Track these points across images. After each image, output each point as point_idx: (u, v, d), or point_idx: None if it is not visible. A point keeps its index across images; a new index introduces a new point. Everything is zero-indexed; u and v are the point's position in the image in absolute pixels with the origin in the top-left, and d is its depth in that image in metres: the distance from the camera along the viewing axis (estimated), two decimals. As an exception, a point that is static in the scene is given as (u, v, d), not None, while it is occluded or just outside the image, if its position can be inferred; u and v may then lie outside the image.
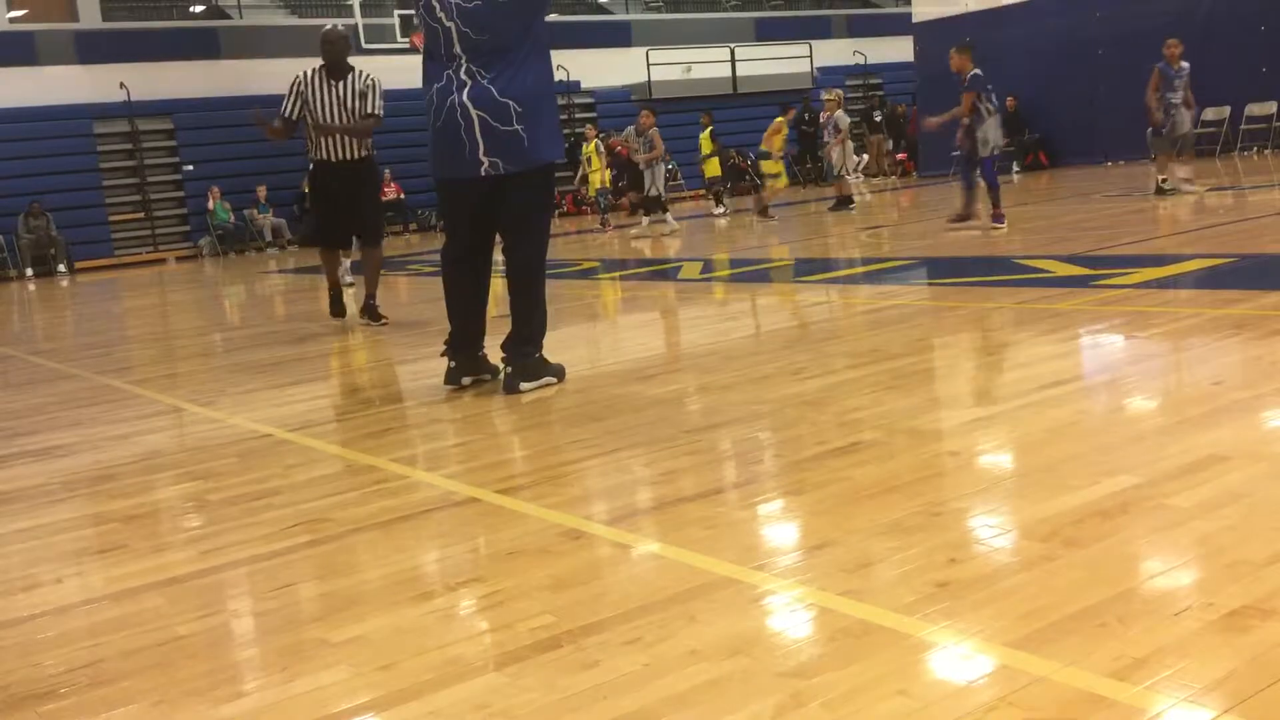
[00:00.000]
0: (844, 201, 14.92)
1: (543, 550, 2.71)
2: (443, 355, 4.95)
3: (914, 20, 23.18)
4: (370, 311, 7.61)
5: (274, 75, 20.69)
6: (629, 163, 17.39)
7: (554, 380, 4.77)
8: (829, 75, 26.65)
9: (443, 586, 2.57)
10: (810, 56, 26.40)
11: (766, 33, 27.13)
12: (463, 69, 4.57)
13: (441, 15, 4.58)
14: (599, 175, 16.09)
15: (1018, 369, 4.28)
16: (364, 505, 3.28)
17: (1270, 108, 17.17)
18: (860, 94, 27.59)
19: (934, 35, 22.27)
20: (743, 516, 2.89)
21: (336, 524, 3.11)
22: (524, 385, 4.66)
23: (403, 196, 21.10)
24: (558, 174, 5.99)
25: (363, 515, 3.17)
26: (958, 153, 10.36)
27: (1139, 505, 2.59)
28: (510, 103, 4.50)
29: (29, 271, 18.34)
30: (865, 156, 24.71)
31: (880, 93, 27.40)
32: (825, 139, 15.43)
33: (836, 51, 27.22)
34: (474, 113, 4.54)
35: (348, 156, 7.34)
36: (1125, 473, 2.85)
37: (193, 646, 2.34)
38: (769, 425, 3.84)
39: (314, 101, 7.24)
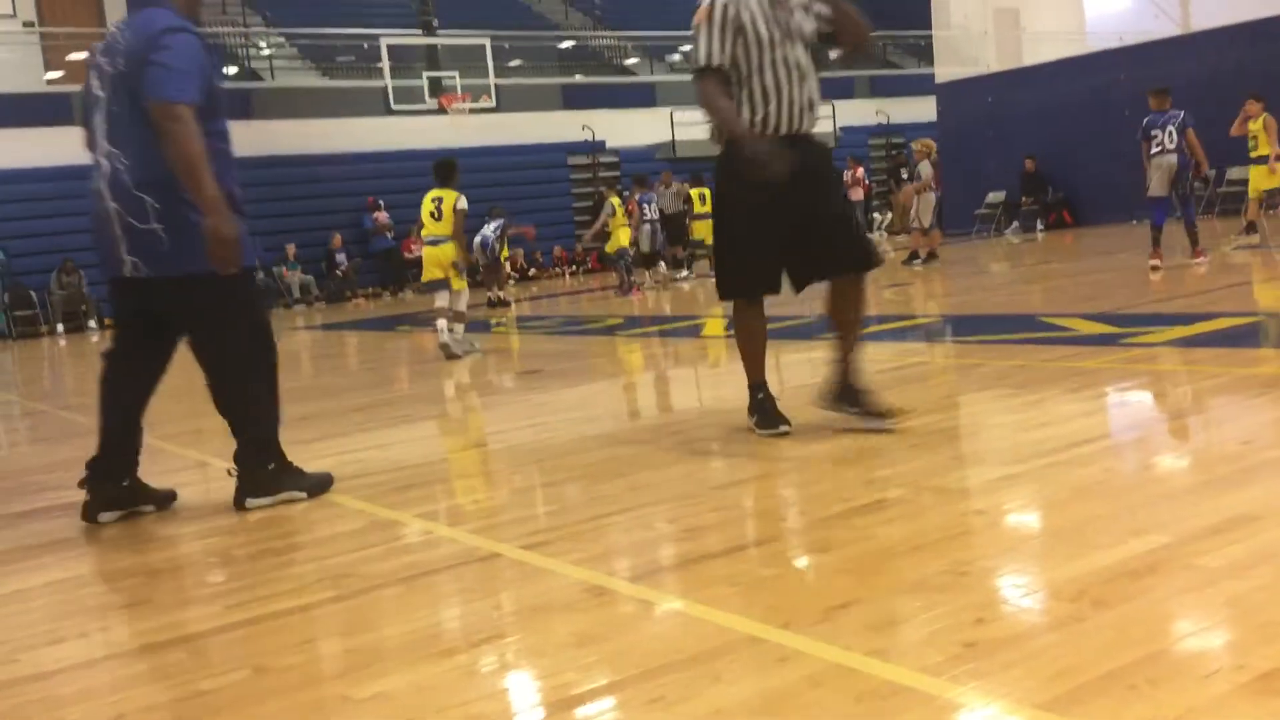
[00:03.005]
0: (930, 255, 14.56)
1: (566, 607, 2.69)
2: (80, 485, 4.06)
3: (937, 80, 23.39)
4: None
5: (304, 135, 21.15)
6: (669, 217, 17.90)
7: (300, 495, 4.08)
8: (852, 135, 26.87)
9: (465, 643, 2.56)
10: (834, 116, 26.62)
11: (789, 93, 27.36)
12: (102, 149, 3.90)
13: (96, 83, 3.94)
14: (621, 234, 15.75)
15: (1044, 427, 4.25)
16: (387, 561, 3.28)
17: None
18: (883, 153, 27.76)
19: (956, 95, 22.48)
20: (767, 574, 2.87)
21: (360, 579, 3.11)
22: (250, 502, 4.01)
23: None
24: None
25: (386, 571, 3.17)
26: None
27: (1168, 565, 2.56)
28: (145, 197, 3.81)
29: (60, 328, 18.59)
30: (889, 215, 24.79)
31: (903, 151, 27.54)
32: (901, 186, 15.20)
33: (859, 111, 27.47)
34: (110, 205, 3.87)
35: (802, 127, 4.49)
36: (1154, 532, 2.81)
37: (215, 702, 2.33)
38: (793, 482, 3.83)
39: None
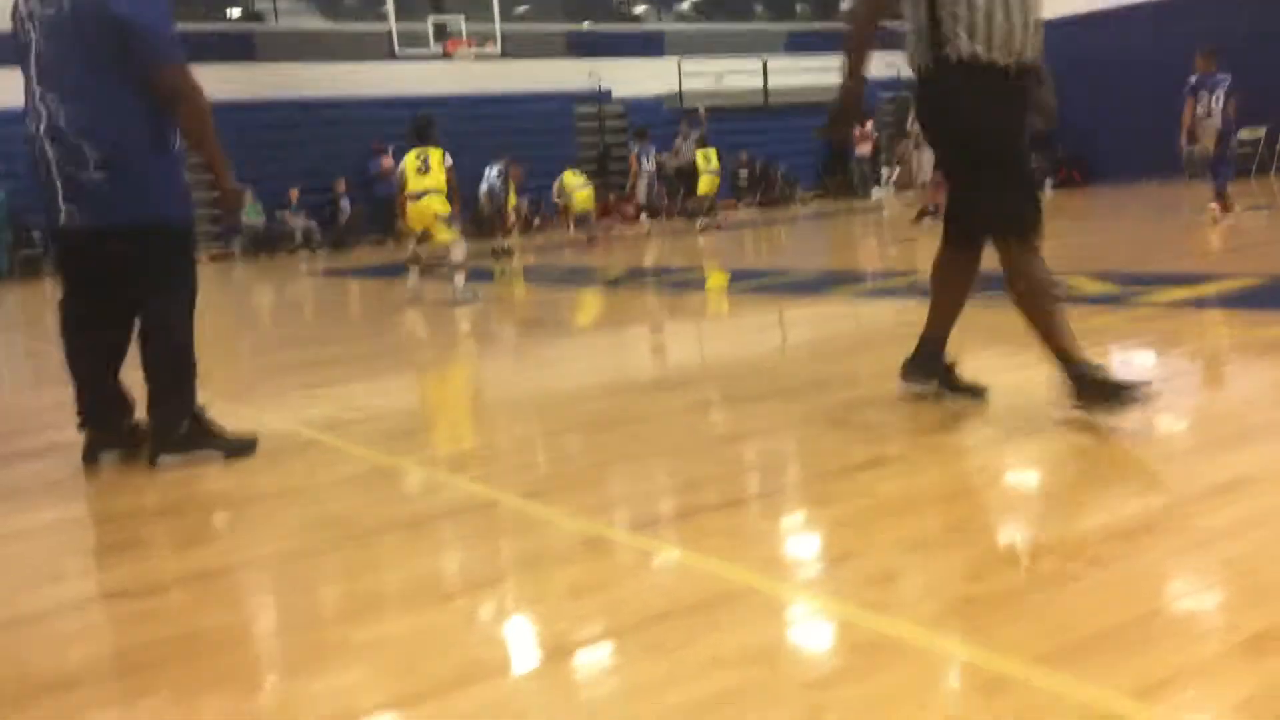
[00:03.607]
0: (931, 211, 14.53)
1: (564, 556, 2.71)
2: (79, 428, 4.06)
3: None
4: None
5: (307, 79, 20.96)
6: (686, 169, 18.24)
7: (214, 454, 3.94)
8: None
9: (464, 590, 2.58)
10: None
11: (798, 45, 27.11)
12: (36, 94, 3.80)
13: (28, 26, 3.82)
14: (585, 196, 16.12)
15: (1044, 387, 4.24)
16: (388, 507, 3.29)
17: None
18: (893, 108, 27.51)
19: (967, 50, 22.18)
20: (766, 527, 2.88)
21: (360, 524, 3.12)
22: (163, 458, 3.88)
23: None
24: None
25: (386, 516, 3.18)
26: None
27: (1165, 525, 2.57)
28: (84, 144, 3.73)
29: (64, 268, 18.56)
30: (898, 169, 24.63)
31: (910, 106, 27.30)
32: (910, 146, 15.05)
33: (871, 64, 27.12)
34: (47, 151, 3.79)
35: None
36: (1152, 493, 2.83)
37: (215, 641, 2.35)
38: (794, 438, 3.83)
39: None
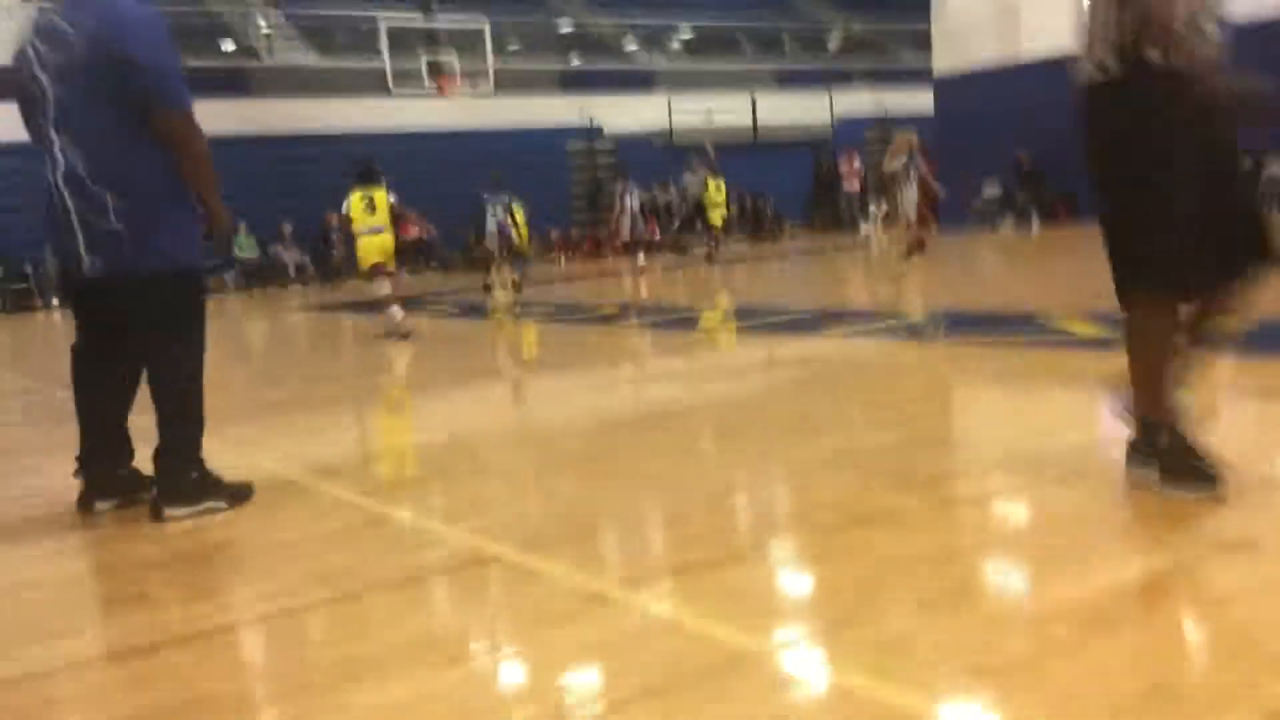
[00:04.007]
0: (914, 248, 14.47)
1: (565, 615, 2.68)
2: (75, 474, 4.02)
3: (935, 72, 23.32)
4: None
5: (300, 114, 21.04)
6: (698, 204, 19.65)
7: (221, 506, 3.88)
8: (849, 125, 26.82)
9: (463, 653, 2.54)
10: (830, 106, 26.59)
11: (787, 82, 27.35)
12: (53, 141, 3.76)
13: (38, 71, 3.78)
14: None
15: (1044, 436, 4.24)
16: (382, 561, 3.26)
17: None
18: (880, 145, 27.73)
19: (954, 88, 22.44)
20: (768, 585, 2.86)
21: (355, 581, 3.09)
22: (169, 511, 3.82)
23: (425, 236, 21.22)
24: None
25: (381, 572, 3.14)
26: None
27: (1174, 588, 2.55)
28: (105, 193, 3.71)
29: (54, 301, 18.49)
30: (885, 206, 24.77)
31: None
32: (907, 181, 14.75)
33: (857, 102, 27.41)
34: (66, 200, 3.75)
35: None
36: (1158, 551, 2.81)
37: (214, 707, 2.31)
38: (794, 486, 3.81)
39: None
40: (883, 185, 24.81)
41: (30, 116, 3.84)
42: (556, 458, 4.54)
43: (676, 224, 22.68)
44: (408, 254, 20.91)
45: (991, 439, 4.39)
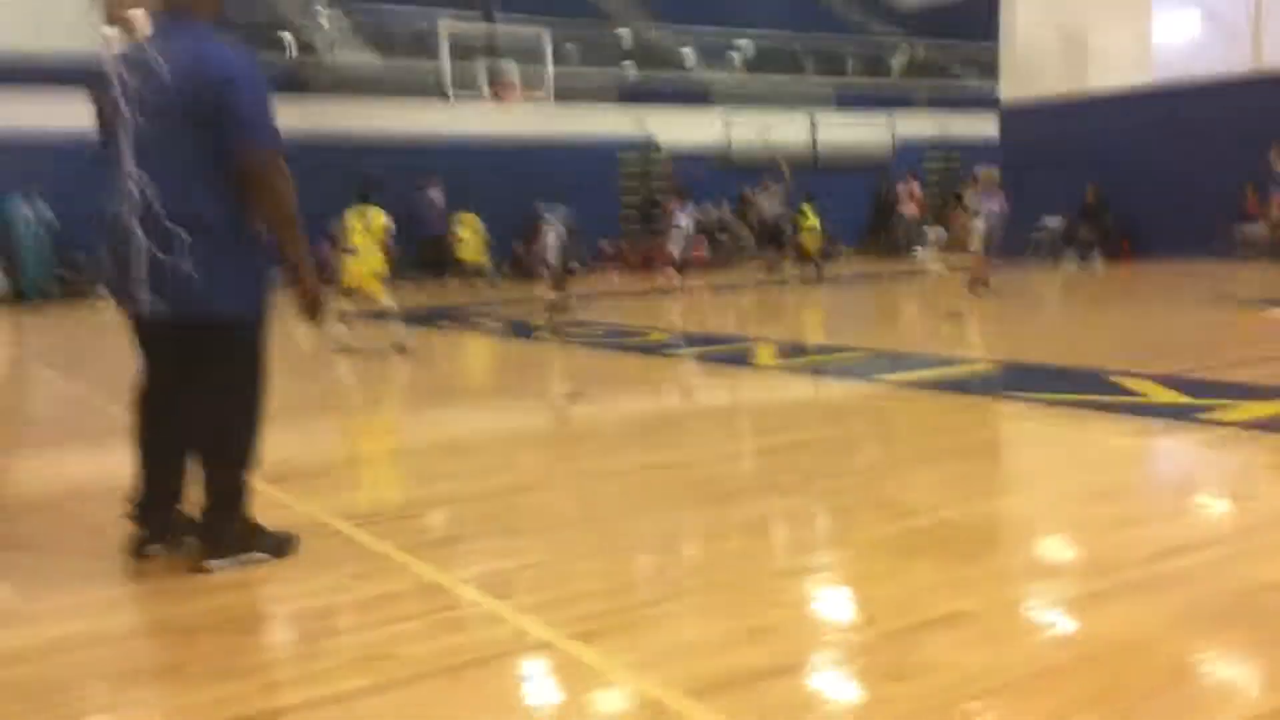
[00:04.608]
0: (976, 282, 14.43)
1: (624, 731, 2.51)
2: (128, 516, 3.91)
3: (1002, 100, 22.94)
4: None
5: (356, 115, 21.06)
6: (767, 221, 20.07)
7: (264, 557, 3.79)
8: (909, 148, 26.49)
9: (517, 770, 2.38)
10: (891, 128, 26.26)
11: (847, 102, 27.05)
12: (130, 174, 3.64)
13: (121, 100, 3.67)
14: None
15: (1126, 528, 4.01)
16: (429, 641, 3.10)
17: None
18: (941, 169, 27.36)
19: (1020, 117, 22.06)
20: (837, 708, 2.66)
21: (399, 664, 2.94)
22: (211, 563, 3.71)
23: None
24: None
25: (427, 655, 2.99)
26: None
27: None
28: (180, 231, 3.58)
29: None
30: (943, 233, 24.43)
31: (960, 169, 27.18)
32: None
33: (918, 124, 27.06)
34: (136, 236, 3.62)
35: None
36: (1274, 688, 2.59)
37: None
38: (860, 574, 3.61)
39: None
40: (940, 209, 24.56)
41: (109, 146, 3.73)
42: (610, 523, 4.37)
43: (740, 242, 22.57)
44: (459, 263, 20.91)
45: (1071, 527, 4.16)
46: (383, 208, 10.15)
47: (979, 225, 14.55)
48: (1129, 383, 6.97)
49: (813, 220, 18.22)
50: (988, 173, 14.90)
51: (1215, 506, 4.44)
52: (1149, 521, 4.13)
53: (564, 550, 3.97)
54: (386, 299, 10.26)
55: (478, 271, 18.49)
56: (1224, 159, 18.22)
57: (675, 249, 17.06)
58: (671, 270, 16.82)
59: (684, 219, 17.09)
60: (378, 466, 5.99)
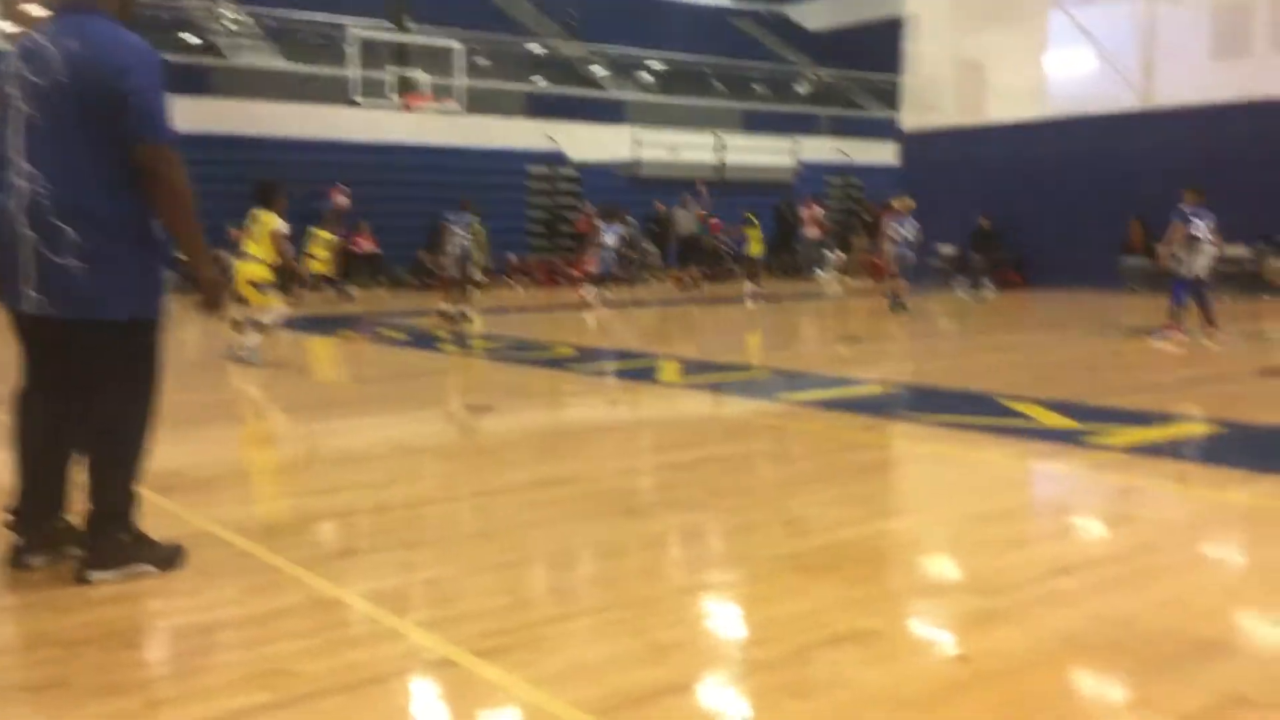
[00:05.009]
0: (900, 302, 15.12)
1: (525, 749, 2.48)
2: (6, 525, 3.72)
3: (904, 129, 23.51)
4: None
5: (260, 117, 20.62)
6: (686, 238, 20.64)
7: (151, 569, 3.65)
8: (811, 171, 26.97)
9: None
10: (795, 151, 26.70)
11: (753, 124, 27.44)
12: (19, 168, 3.49)
13: (17, 93, 3.53)
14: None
15: (1018, 548, 4.13)
16: (326, 658, 3.03)
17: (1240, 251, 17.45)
18: (840, 193, 27.91)
19: (919, 143, 22.64)
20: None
21: (296, 680, 2.86)
22: (94, 575, 3.56)
23: (378, 249, 20.87)
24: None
25: (325, 672, 2.92)
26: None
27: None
28: (69, 230, 3.42)
29: None
30: (843, 255, 24.90)
31: (860, 193, 27.78)
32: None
33: (820, 149, 27.56)
34: (24, 231, 3.47)
35: None
36: (1151, 708, 2.68)
37: None
38: (764, 594, 3.64)
39: None
40: (840, 231, 25.08)
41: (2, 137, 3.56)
42: (513, 537, 4.33)
43: (647, 259, 22.70)
44: (360, 268, 20.59)
45: (965, 546, 4.26)
46: (284, 212, 9.77)
47: (893, 250, 15.14)
48: (1019, 406, 7.19)
49: (757, 236, 18.83)
50: (902, 200, 15.53)
51: (1100, 528, 4.60)
52: (1038, 542, 4.26)
53: (464, 564, 3.93)
54: (260, 309, 9.62)
55: (329, 283, 18.03)
56: (1112, 193, 18.94)
57: (598, 266, 17.07)
58: (589, 286, 16.79)
59: (610, 237, 17.14)
60: (271, 478, 5.85)
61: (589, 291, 16.75)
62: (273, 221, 9.52)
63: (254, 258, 9.55)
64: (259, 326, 9.62)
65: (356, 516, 4.65)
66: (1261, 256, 17.09)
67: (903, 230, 15.21)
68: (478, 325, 13.38)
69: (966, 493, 5.14)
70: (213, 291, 3.71)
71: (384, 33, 22.58)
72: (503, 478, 5.44)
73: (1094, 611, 3.37)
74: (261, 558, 3.93)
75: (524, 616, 3.38)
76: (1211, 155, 16.86)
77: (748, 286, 18.05)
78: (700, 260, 21.42)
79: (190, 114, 20.08)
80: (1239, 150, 17.13)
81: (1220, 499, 4.92)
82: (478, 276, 14.39)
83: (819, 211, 24.15)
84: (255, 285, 9.57)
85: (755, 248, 18.85)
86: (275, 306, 9.80)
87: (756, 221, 18.97)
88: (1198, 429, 6.58)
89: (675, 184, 23.87)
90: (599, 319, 14.93)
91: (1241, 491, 5.00)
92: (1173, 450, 5.99)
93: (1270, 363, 9.81)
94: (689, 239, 21.47)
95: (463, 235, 13.99)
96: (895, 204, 15.81)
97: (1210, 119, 17.81)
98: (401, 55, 22.56)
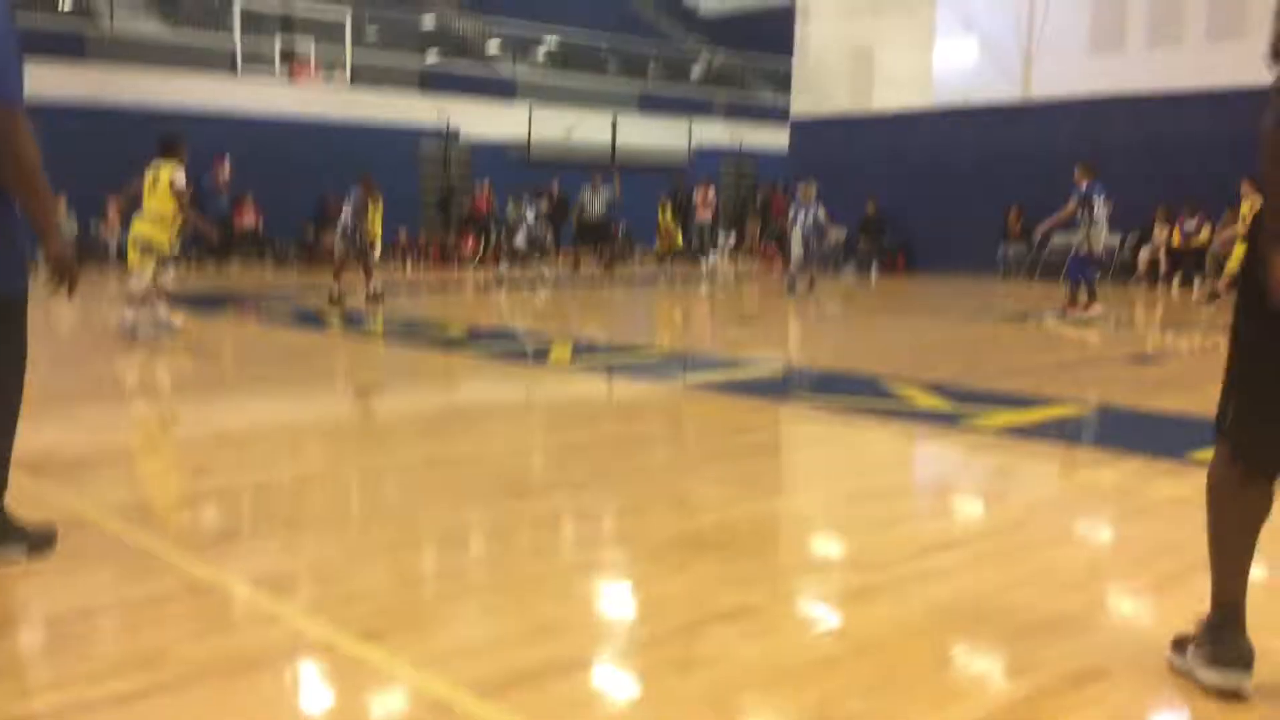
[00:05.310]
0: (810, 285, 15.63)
1: (409, 731, 2.48)
2: None
3: (792, 115, 23.82)
4: None
5: (140, 86, 19.88)
6: (591, 222, 20.77)
7: (20, 552, 3.52)
8: (706, 156, 27.15)
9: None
10: (689, 134, 26.84)
11: (649, 106, 27.49)
12: None
13: None
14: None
15: (895, 526, 4.25)
16: (205, 641, 2.97)
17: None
18: (734, 176, 28.18)
19: (809, 129, 22.98)
20: (624, 703, 2.72)
21: (175, 664, 2.80)
22: None
23: (260, 224, 20.37)
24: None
25: (203, 656, 2.87)
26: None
27: (1032, 729, 2.53)
28: None
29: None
30: (734, 237, 25.21)
31: (753, 177, 28.09)
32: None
33: (714, 133, 27.77)
34: None
35: None
36: (1016, 676, 2.81)
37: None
38: (650, 574, 3.68)
39: None
40: (734, 215, 25.33)
41: None
42: (403, 518, 4.30)
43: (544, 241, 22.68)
44: (243, 244, 20.06)
45: (846, 523, 4.37)
46: (184, 164, 9.02)
47: (798, 234, 15.44)
48: (901, 389, 7.38)
49: (670, 218, 19.38)
50: (806, 186, 15.83)
51: (972, 507, 4.77)
52: (914, 520, 4.40)
53: (348, 546, 3.88)
54: (138, 276, 9.06)
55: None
56: (993, 182, 19.52)
57: (520, 240, 17.31)
58: (502, 264, 16.90)
59: (530, 213, 17.25)
60: (148, 459, 5.68)
61: (501, 268, 16.81)
62: (171, 172, 8.86)
63: (150, 215, 8.91)
64: (133, 297, 9.08)
65: (237, 498, 4.56)
66: (1135, 245, 17.81)
67: (807, 216, 15.54)
68: (370, 304, 13.15)
69: (849, 473, 5.28)
70: (59, 268, 3.53)
71: (269, 2, 21.96)
72: (390, 458, 5.39)
73: (964, 586, 3.50)
74: (138, 541, 3.83)
75: (409, 597, 3.37)
76: (1089, 147, 17.49)
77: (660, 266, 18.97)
78: (606, 243, 21.41)
79: (65, 82, 19.28)
80: (1114, 142, 17.80)
81: (1088, 479, 5.15)
82: (372, 255, 13.85)
83: (712, 195, 24.35)
84: (142, 247, 8.95)
85: (670, 233, 19.43)
86: (147, 274, 9.08)
87: (668, 209, 19.48)
88: (1069, 411, 6.85)
89: (569, 164, 23.80)
90: (492, 299, 14.83)
91: (1109, 471, 5.23)
92: (1045, 432, 6.22)
93: (1139, 349, 10.25)
94: (594, 222, 21.30)
95: (347, 215, 13.49)
96: (799, 190, 16.09)
97: (1087, 111, 18.46)
98: (288, 26, 21.98)
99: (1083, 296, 12.18)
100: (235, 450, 5.45)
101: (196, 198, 9.05)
